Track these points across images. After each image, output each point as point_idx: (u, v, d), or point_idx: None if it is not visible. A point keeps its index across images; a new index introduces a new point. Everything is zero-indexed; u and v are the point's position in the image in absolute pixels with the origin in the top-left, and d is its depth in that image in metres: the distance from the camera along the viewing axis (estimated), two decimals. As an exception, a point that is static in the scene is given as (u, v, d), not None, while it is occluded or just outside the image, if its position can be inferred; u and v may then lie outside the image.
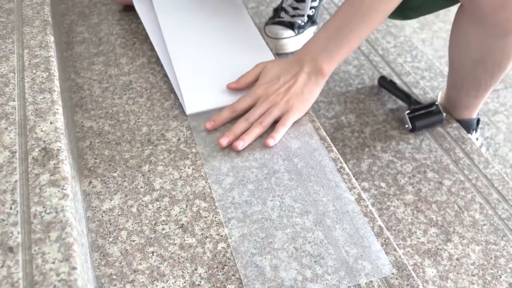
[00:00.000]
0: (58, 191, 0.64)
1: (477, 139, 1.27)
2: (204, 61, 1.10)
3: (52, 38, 0.90)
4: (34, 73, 0.82)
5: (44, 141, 0.71)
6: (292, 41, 1.40)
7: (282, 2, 1.43)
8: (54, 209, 0.62)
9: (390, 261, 0.76)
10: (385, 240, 0.79)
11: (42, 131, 0.72)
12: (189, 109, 1.01)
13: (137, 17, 1.23)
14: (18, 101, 0.77)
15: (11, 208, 0.62)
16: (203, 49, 1.13)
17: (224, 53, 1.12)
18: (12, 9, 0.95)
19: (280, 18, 1.40)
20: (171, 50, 1.10)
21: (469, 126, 1.23)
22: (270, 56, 1.11)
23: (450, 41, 1.11)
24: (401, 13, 1.11)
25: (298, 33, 1.40)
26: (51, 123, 0.73)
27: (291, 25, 1.39)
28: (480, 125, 1.29)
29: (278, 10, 1.43)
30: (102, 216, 0.82)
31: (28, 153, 0.69)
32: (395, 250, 0.77)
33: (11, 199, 0.63)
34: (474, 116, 1.24)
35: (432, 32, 1.87)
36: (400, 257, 0.76)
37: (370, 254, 0.77)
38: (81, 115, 0.99)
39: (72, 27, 1.21)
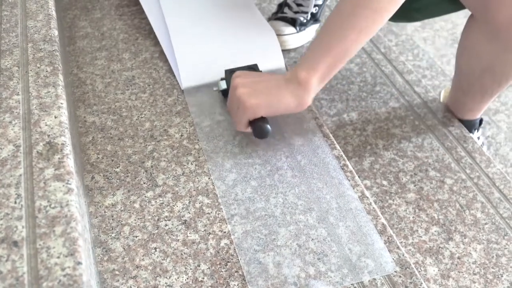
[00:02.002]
0: (63, 185, 0.64)
1: (478, 138, 1.27)
2: (200, 36, 1.13)
3: (56, 32, 0.89)
4: (38, 67, 0.82)
5: (48, 135, 0.70)
6: (294, 38, 1.40)
7: None
8: (59, 204, 0.62)
9: (393, 259, 0.76)
10: (388, 238, 0.79)
11: (46, 125, 0.72)
12: (185, 83, 1.04)
13: (140, 12, 1.23)
14: (22, 95, 0.77)
15: (15, 202, 0.62)
16: (200, 25, 1.16)
17: (221, 30, 1.15)
18: (15, 3, 0.95)
19: (283, 14, 1.40)
20: (170, 25, 1.14)
21: (471, 125, 1.23)
22: (271, 34, 1.14)
23: (459, 46, 1.10)
24: (406, 14, 1.11)
25: (300, 30, 1.40)
26: (55, 117, 0.73)
27: (293, 22, 1.39)
28: (482, 125, 1.29)
29: (282, 5, 1.43)
30: (105, 212, 0.82)
31: (33, 147, 0.69)
32: (398, 248, 0.77)
33: (16, 193, 0.63)
34: (477, 117, 1.24)
35: (434, 31, 1.86)
36: (403, 255, 0.76)
37: (373, 251, 0.77)
38: (84, 110, 0.99)
39: (75, 22, 1.21)
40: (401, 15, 1.03)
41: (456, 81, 1.19)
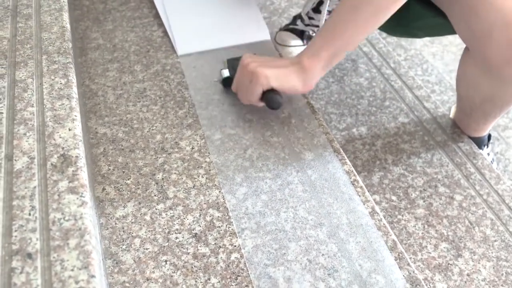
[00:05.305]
0: (77, 198, 0.64)
1: (488, 154, 1.27)
2: (194, 11, 1.24)
3: (70, 45, 0.90)
4: (53, 79, 0.82)
5: (62, 148, 0.71)
6: (299, 50, 1.40)
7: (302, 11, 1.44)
8: (73, 216, 0.62)
9: (403, 275, 0.76)
10: (398, 255, 0.78)
11: (60, 137, 0.72)
12: (181, 50, 1.13)
13: (152, 25, 1.24)
14: (37, 107, 0.77)
15: (30, 214, 0.63)
16: (194, 2, 1.28)
17: (212, 7, 1.27)
18: (30, 15, 0.96)
19: (294, 26, 1.41)
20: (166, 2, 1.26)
21: (480, 142, 1.23)
22: (256, 11, 1.26)
23: (457, 75, 1.10)
24: (409, 31, 1.12)
25: (307, 43, 1.40)
26: (69, 129, 0.73)
27: (301, 34, 1.39)
28: (491, 140, 1.29)
29: (296, 17, 1.43)
30: (116, 223, 0.82)
31: (47, 159, 0.69)
32: (408, 264, 0.77)
33: (30, 205, 0.64)
34: (484, 134, 1.24)
35: (443, 46, 1.87)
36: (413, 272, 0.76)
37: (383, 268, 0.77)
38: (95, 121, 0.99)
39: (87, 33, 1.22)
40: (403, 32, 1.05)
41: (459, 105, 1.19)
